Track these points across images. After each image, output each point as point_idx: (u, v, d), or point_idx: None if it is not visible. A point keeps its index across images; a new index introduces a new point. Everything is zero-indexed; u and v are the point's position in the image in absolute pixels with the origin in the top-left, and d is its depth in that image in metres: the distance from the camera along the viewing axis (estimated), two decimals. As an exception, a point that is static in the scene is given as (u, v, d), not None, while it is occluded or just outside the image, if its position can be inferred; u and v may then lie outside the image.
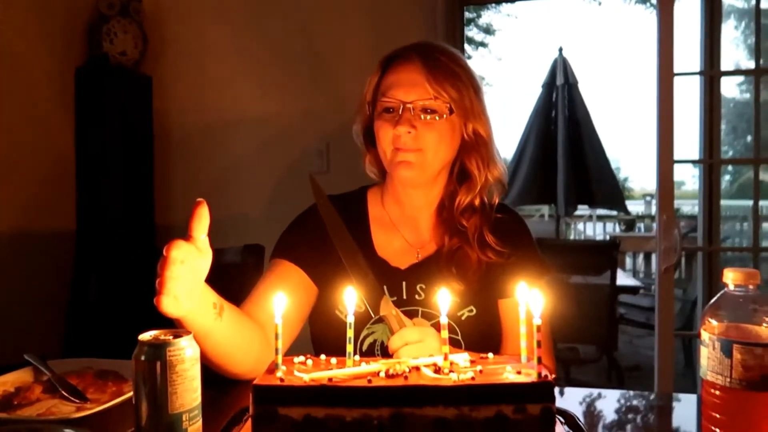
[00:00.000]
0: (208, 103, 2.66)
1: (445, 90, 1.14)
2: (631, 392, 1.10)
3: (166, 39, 2.69)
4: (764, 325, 0.66)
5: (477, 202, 1.22)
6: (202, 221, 0.87)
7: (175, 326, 0.88)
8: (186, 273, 0.84)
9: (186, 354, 0.77)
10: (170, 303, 0.84)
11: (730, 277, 0.68)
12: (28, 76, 2.36)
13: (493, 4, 11.04)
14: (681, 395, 1.13)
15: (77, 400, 0.96)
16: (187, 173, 2.69)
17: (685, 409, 1.06)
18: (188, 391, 0.77)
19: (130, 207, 2.51)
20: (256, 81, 2.61)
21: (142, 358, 0.76)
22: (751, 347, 0.64)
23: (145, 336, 0.79)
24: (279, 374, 0.77)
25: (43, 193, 2.40)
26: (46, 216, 2.42)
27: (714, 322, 0.69)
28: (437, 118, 1.14)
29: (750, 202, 2.66)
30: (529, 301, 0.78)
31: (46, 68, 2.43)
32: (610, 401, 1.05)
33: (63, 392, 0.98)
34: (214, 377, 1.03)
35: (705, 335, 0.69)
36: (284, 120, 2.56)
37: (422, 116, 1.14)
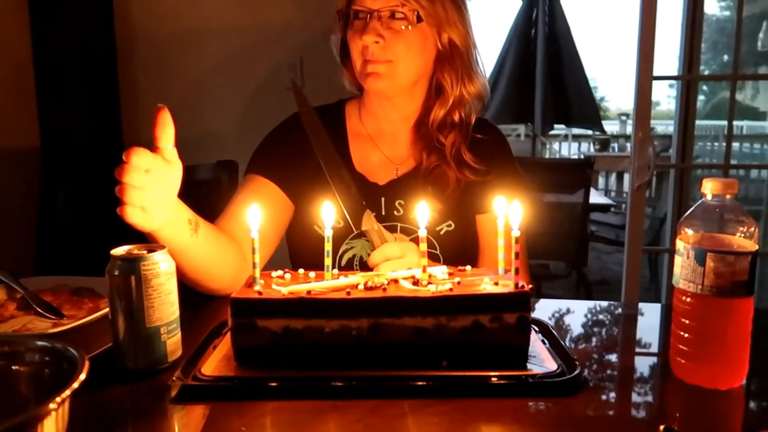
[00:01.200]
0: (175, 11, 2.51)
1: None
2: (602, 303, 1.14)
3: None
4: (739, 234, 0.67)
5: (456, 118, 1.19)
6: (166, 129, 0.83)
7: (149, 242, 0.87)
8: (153, 184, 0.81)
9: (161, 268, 0.76)
10: (137, 214, 0.81)
11: (709, 187, 0.68)
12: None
13: None
14: (645, 305, 1.17)
15: (53, 317, 0.95)
16: (155, 86, 2.57)
17: (649, 317, 1.10)
18: (165, 305, 0.77)
19: (95, 120, 2.41)
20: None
21: (116, 272, 0.75)
22: (723, 255, 0.66)
23: (119, 251, 0.77)
24: (257, 287, 0.77)
25: (1, 106, 2.28)
26: (7, 130, 2.31)
27: (690, 232, 0.70)
28: (406, 27, 1.09)
29: (722, 122, 2.68)
30: (508, 213, 0.78)
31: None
32: (579, 312, 1.08)
33: (38, 309, 0.97)
34: (193, 293, 1.03)
35: (680, 244, 0.70)
36: (257, 31, 2.44)
37: (391, 24, 1.09)
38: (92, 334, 0.89)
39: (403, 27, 1.09)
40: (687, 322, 0.70)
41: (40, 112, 2.40)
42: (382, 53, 1.10)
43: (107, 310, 0.80)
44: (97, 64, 2.42)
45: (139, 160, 0.79)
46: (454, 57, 1.16)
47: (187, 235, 0.93)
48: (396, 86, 1.14)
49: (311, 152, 1.05)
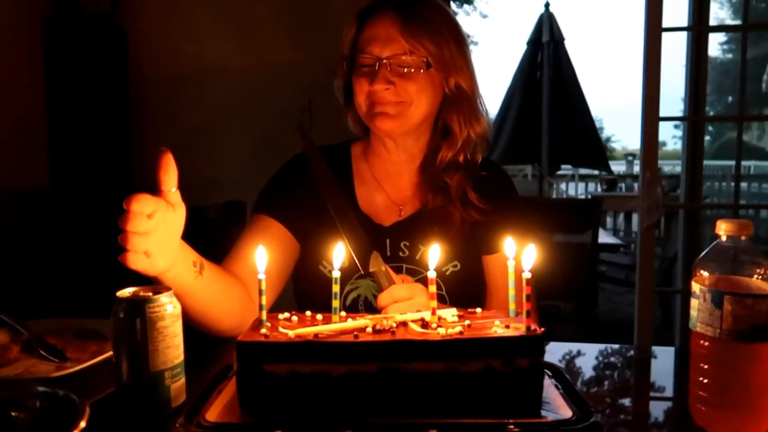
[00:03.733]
0: (185, 57, 2.57)
1: (421, 44, 1.09)
2: (614, 345, 1.11)
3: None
4: (755, 276, 0.66)
5: (460, 158, 1.19)
6: (169, 172, 0.83)
7: (155, 283, 0.86)
8: (156, 228, 0.81)
9: (167, 310, 0.75)
10: (140, 260, 0.81)
11: (723, 228, 0.67)
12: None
13: (478, -40, 10.80)
14: (658, 348, 1.15)
15: (56, 360, 0.94)
16: (167, 129, 2.62)
17: (663, 361, 1.08)
18: (170, 348, 0.75)
19: (107, 165, 2.44)
20: (236, 33, 2.52)
21: (121, 315, 0.74)
22: (741, 298, 0.64)
23: (124, 292, 0.76)
24: (263, 331, 0.75)
25: (12, 152, 2.31)
26: (18, 170, 2.34)
27: (705, 274, 0.68)
28: (416, 71, 1.10)
29: (729, 162, 2.68)
30: (520, 254, 0.77)
31: (11, 19, 2.31)
32: (590, 355, 1.06)
33: (42, 351, 0.95)
34: (199, 336, 1.02)
35: (696, 287, 0.68)
36: (266, 74, 2.49)
37: (400, 71, 1.10)
38: (96, 377, 0.87)
39: (413, 70, 1.10)
40: (706, 367, 0.68)
41: (50, 153, 2.44)
42: (392, 96, 1.10)
43: (111, 353, 0.78)
44: (111, 108, 2.47)
45: (140, 206, 0.79)
46: (461, 100, 1.17)
47: (192, 277, 0.93)
48: (404, 127, 1.14)
49: (317, 192, 1.04)
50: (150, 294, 0.76)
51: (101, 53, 2.44)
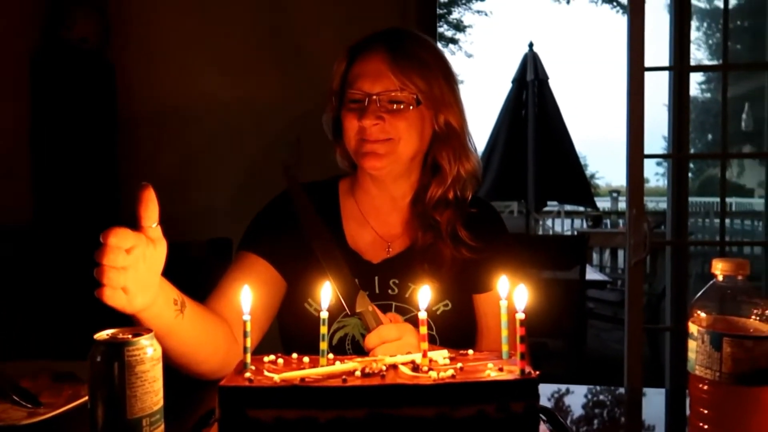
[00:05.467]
0: (173, 92, 2.56)
1: (411, 80, 1.09)
2: (605, 387, 1.09)
3: (130, 25, 2.58)
4: (753, 317, 0.65)
5: (450, 195, 1.18)
6: (149, 207, 0.80)
7: (135, 324, 0.83)
8: (134, 264, 0.78)
9: (146, 354, 0.72)
10: (117, 296, 0.78)
11: (720, 267, 0.66)
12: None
13: (463, 2, 11.08)
14: (650, 390, 1.13)
15: (29, 405, 0.90)
16: (153, 165, 2.59)
17: (654, 403, 1.06)
18: (149, 394, 0.72)
19: (92, 201, 2.40)
20: (224, 69, 2.53)
21: (98, 358, 0.71)
22: (741, 340, 0.62)
23: (102, 334, 0.73)
24: (247, 374, 0.72)
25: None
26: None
27: (702, 314, 0.67)
28: (405, 107, 1.10)
29: (711, 199, 2.72)
30: (512, 295, 0.75)
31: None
32: (580, 395, 1.03)
33: (14, 396, 0.91)
34: (179, 378, 0.98)
35: (693, 328, 0.67)
36: (253, 109, 2.49)
37: (390, 107, 1.10)
38: (70, 424, 0.83)
39: (402, 107, 1.10)
40: (706, 412, 0.66)
41: (34, 189, 2.40)
42: (381, 133, 1.09)
43: (86, 399, 0.74)
44: (97, 140, 2.44)
45: (118, 240, 0.76)
46: (451, 136, 1.16)
47: (172, 317, 0.90)
48: (394, 165, 1.13)
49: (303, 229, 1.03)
50: (129, 336, 0.73)
51: (89, 88, 2.43)
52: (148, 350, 0.72)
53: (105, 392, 0.70)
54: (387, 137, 1.10)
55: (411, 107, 1.10)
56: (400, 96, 1.09)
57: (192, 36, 2.56)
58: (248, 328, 0.75)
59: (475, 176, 1.22)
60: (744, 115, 4.69)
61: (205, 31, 2.54)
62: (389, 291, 1.15)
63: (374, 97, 1.09)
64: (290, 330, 1.19)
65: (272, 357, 0.79)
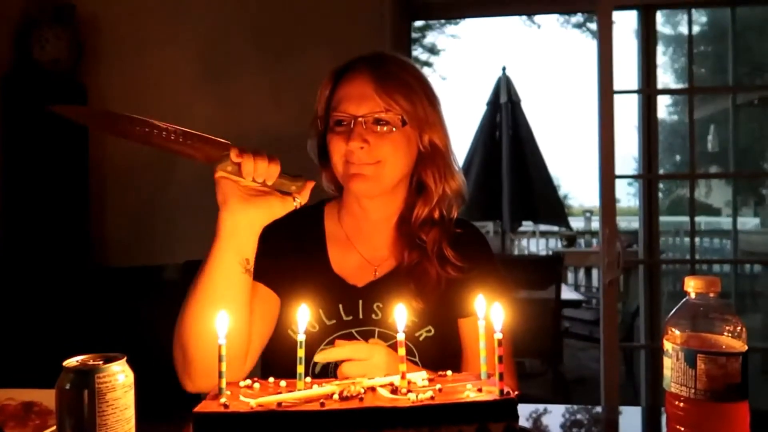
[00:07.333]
0: (147, 114, 2.54)
1: (396, 101, 1.10)
2: (582, 406, 1.10)
3: (103, 46, 2.57)
4: (725, 333, 0.66)
5: (436, 215, 1.18)
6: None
7: (107, 351, 0.80)
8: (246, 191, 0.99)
9: (117, 380, 0.70)
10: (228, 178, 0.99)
11: (692, 285, 0.67)
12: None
13: (437, 26, 11.26)
14: (626, 408, 1.14)
15: (-7, 436, 0.86)
16: (126, 187, 2.55)
17: (631, 421, 1.06)
18: (120, 422, 0.70)
19: (62, 223, 2.36)
20: (199, 91, 2.52)
21: (67, 386, 0.68)
22: (714, 357, 0.63)
23: (71, 362, 0.71)
24: (222, 399, 0.71)
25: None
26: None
27: (677, 332, 0.68)
28: (390, 130, 1.10)
29: (680, 218, 2.78)
30: (490, 314, 0.75)
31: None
32: (557, 415, 1.04)
33: (-23, 427, 0.88)
34: (151, 405, 0.95)
35: (668, 345, 0.68)
36: (231, 132, 2.47)
37: (375, 129, 1.10)
38: (35, 456, 0.80)
39: (386, 129, 1.10)
40: (682, 429, 0.66)
41: (2, 210, 2.34)
42: (367, 156, 1.09)
43: (54, 428, 0.72)
44: (69, 165, 2.40)
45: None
46: (436, 156, 1.16)
47: (239, 265, 1.00)
48: (381, 187, 1.13)
49: (292, 249, 1.09)
50: (100, 363, 0.71)
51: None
52: (119, 377, 0.70)
53: (74, 421, 0.68)
54: (374, 160, 1.09)
55: (396, 128, 1.10)
56: (385, 117, 1.09)
57: (166, 56, 2.55)
58: (223, 352, 0.73)
59: (461, 195, 1.21)
60: (710, 137, 4.83)
61: (180, 51, 2.54)
62: (373, 316, 1.13)
63: (360, 119, 1.09)
64: (272, 356, 1.16)
65: (248, 381, 0.78)
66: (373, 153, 1.09)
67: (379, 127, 1.10)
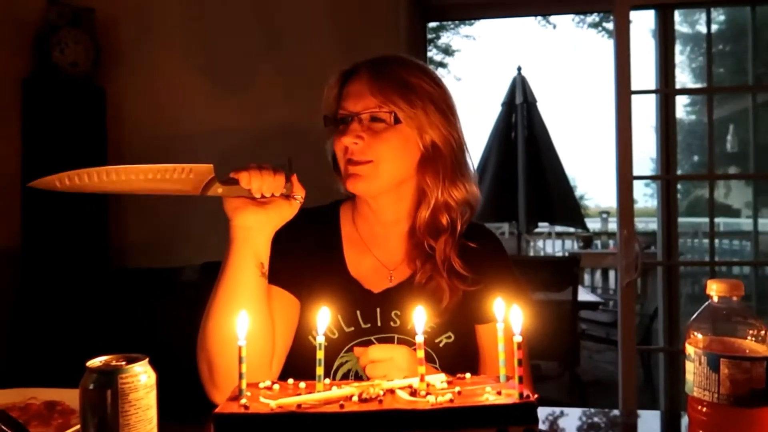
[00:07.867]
0: (165, 117, 2.58)
1: (390, 99, 1.10)
2: (600, 409, 1.09)
3: (121, 50, 2.60)
4: (749, 337, 0.65)
5: (443, 221, 1.15)
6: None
7: (129, 352, 0.81)
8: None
9: (140, 381, 0.71)
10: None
11: (714, 288, 0.66)
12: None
13: (452, 27, 11.24)
14: (645, 412, 1.12)
15: (17, 435, 0.88)
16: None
17: (649, 426, 1.05)
18: (142, 422, 0.71)
19: (81, 226, 2.39)
20: (216, 92, 2.55)
21: (90, 386, 0.69)
22: (738, 361, 0.63)
23: (94, 362, 0.72)
24: (243, 401, 0.71)
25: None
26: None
27: (699, 336, 0.67)
28: (384, 128, 1.10)
29: (699, 219, 2.73)
30: (509, 318, 0.75)
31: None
32: (574, 418, 1.03)
33: (2, 426, 0.89)
34: (173, 406, 0.96)
35: (690, 349, 0.67)
36: (244, 134, 2.50)
37: (371, 126, 1.10)
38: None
39: (382, 127, 1.10)
40: (705, 434, 0.66)
41: (24, 215, 2.38)
42: (361, 154, 1.10)
43: (77, 427, 0.73)
44: (87, 164, 2.43)
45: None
46: (436, 159, 1.14)
47: (256, 268, 1.02)
48: (377, 187, 1.13)
49: (310, 251, 1.12)
50: (123, 363, 0.72)
51: (79, 114, 2.43)
52: (141, 377, 0.71)
53: (97, 421, 0.69)
54: (368, 159, 1.10)
55: (390, 127, 1.10)
56: (379, 114, 1.10)
57: (183, 60, 2.58)
58: (243, 354, 0.74)
59: (468, 204, 1.19)
60: (729, 137, 4.76)
61: (197, 55, 2.56)
62: (391, 323, 1.13)
63: (356, 115, 1.11)
64: (292, 362, 1.15)
65: (268, 383, 0.78)
66: (367, 150, 1.10)
67: (374, 124, 1.11)
